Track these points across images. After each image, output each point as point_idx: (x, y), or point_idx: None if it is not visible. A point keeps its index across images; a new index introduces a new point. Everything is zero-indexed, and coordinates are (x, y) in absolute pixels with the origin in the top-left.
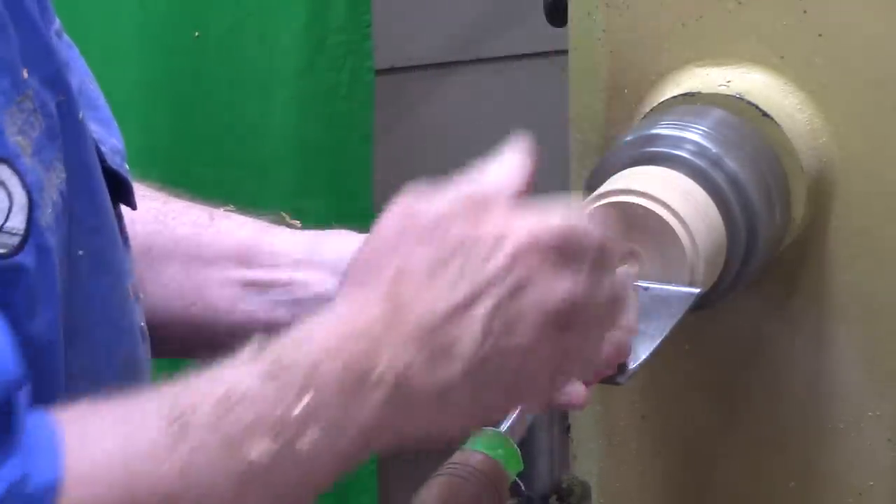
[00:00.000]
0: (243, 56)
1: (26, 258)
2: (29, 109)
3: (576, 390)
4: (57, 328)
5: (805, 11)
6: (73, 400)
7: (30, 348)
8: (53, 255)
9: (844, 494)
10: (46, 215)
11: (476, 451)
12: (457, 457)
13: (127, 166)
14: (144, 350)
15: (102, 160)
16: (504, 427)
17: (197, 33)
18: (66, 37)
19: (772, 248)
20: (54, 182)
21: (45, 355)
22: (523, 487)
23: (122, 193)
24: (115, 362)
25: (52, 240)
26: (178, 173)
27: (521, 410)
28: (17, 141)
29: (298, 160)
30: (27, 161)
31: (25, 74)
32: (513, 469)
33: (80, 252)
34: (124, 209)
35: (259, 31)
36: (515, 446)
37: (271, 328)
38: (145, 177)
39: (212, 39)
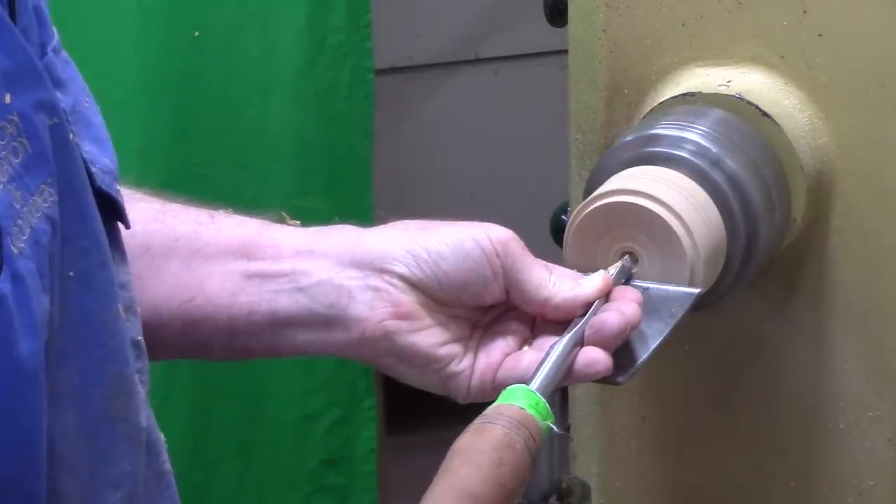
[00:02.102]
0: (243, 56)
1: (3, 285)
2: (11, 135)
3: (595, 357)
4: (39, 357)
5: (805, 11)
6: (62, 422)
7: (12, 377)
8: (29, 283)
9: (845, 494)
10: (20, 242)
11: (504, 404)
12: (487, 410)
13: (118, 186)
14: (140, 365)
15: (92, 181)
16: (533, 385)
17: (197, 33)
18: (63, 53)
19: (772, 248)
20: (39, 206)
21: (27, 384)
22: (556, 429)
23: (114, 212)
24: (104, 382)
25: (29, 267)
26: (178, 173)
27: (550, 367)
28: None
29: (298, 160)
30: None
31: (8, 99)
32: (543, 418)
33: (71, 273)
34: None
35: (259, 31)
36: (542, 399)
37: (273, 318)
38: (145, 177)
39: (212, 39)
